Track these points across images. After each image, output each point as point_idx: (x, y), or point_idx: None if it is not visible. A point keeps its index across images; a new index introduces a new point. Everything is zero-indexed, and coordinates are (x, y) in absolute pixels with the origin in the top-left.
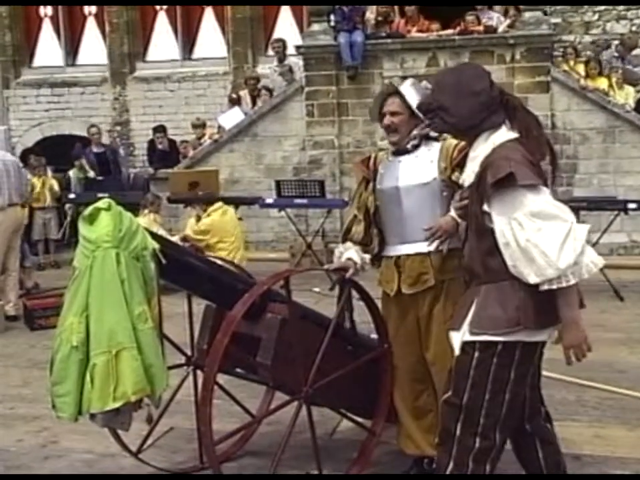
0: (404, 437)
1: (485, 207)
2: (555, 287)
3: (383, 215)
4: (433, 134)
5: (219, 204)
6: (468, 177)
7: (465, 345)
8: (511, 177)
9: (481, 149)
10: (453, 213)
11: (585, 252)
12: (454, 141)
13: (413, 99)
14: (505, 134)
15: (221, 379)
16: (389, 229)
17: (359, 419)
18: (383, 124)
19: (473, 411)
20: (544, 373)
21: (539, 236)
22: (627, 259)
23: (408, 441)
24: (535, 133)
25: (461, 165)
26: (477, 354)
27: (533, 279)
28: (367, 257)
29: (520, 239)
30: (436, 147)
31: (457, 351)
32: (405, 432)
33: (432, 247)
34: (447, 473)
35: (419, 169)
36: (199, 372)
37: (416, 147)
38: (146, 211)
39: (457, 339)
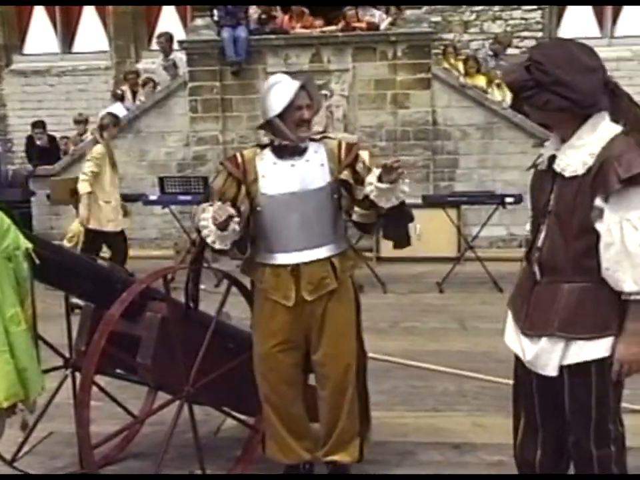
0: (275, 448)
1: (598, 202)
2: None
3: (270, 222)
4: (315, 136)
5: None
6: (570, 166)
7: (578, 366)
8: None
9: (589, 138)
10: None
11: None
12: (336, 142)
13: (316, 92)
14: (611, 124)
15: (103, 380)
16: (280, 237)
17: (242, 417)
18: (296, 118)
19: (604, 423)
20: (425, 365)
21: None
22: (505, 251)
23: (283, 449)
24: None
25: (351, 165)
26: (594, 369)
27: (628, 286)
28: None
29: (630, 242)
30: (321, 149)
31: (551, 369)
32: (276, 442)
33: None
34: None
35: (312, 173)
36: (78, 374)
37: (304, 149)
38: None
39: (553, 351)
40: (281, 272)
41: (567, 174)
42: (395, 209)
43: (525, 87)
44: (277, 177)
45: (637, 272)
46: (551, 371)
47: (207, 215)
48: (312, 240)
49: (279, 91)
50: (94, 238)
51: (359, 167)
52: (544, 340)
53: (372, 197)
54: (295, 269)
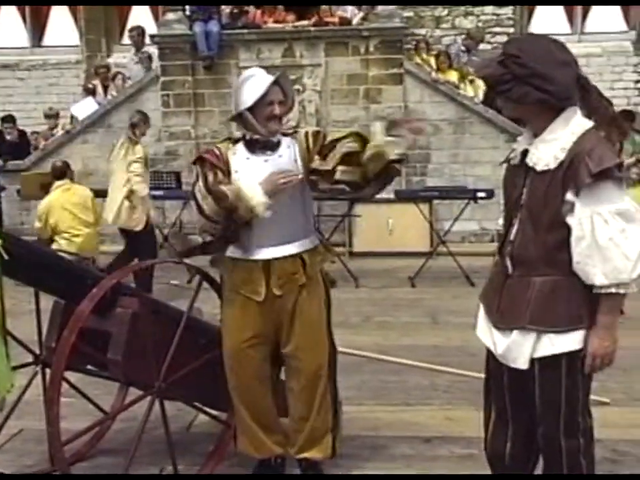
0: (246, 442)
1: (569, 196)
2: (621, 291)
3: None
4: (287, 130)
5: (65, 181)
6: (542, 160)
7: (548, 359)
8: (615, 168)
9: (561, 133)
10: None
11: None
12: (302, 131)
13: (290, 89)
14: (583, 119)
15: (74, 376)
16: (251, 232)
17: (214, 412)
18: (267, 113)
19: (573, 415)
20: (397, 359)
21: (623, 237)
22: (477, 246)
23: (254, 444)
24: (616, 120)
25: (321, 153)
26: (564, 362)
27: (599, 279)
28: None
29: (600, 236)
30: (293, 144)
31: (522, 362)
32: (247, 436)
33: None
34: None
35: (285, 169)
36: (48, 370)
37: (277, 145)
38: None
39: (524, 344)
40: (252, 267)
41: (539, 168)
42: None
43: (502, 81)
44: (249, 172)
45: (608, 265)
46: (522, 364)
47: (249, 189)
48: (283, 236)
49: (252, 85)
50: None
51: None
52: (515, 333)
53: (378, 149)
54: (266, 264)
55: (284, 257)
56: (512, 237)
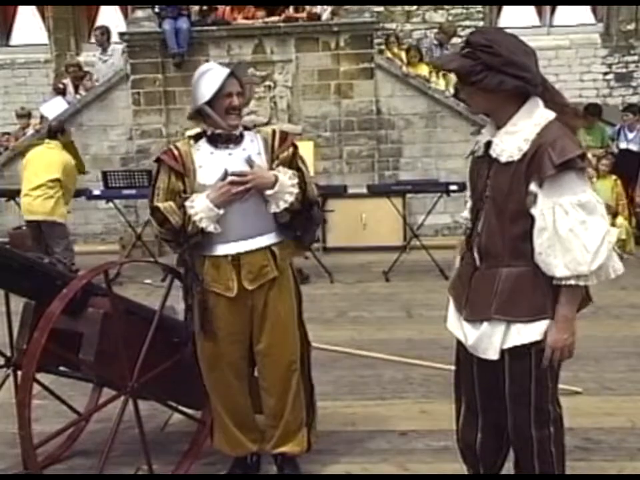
0: (222, 440)
1: (533, 187)
2: (581, 283)
3: None
4: (247, 124)
5: (53, 141)
6: (505, 151)
7: (517, 349)
8: (578, 159)
9: (524, 124)
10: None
11: (612, 255)
12: (269, 130)
13: (247, 79)
14: (546, 110)
15: (48, 378)
16: (221, 227)
17: (189, 411)
18: (226, 105)
19: (543, 405)
20: (371, 354)
21: (583, 229)
22: (450, 239)
23: (230, 442)
24: (573, 112)
25: (289, 162)
26: (533, 352)
27: (560, 271)
28: None
29: (561, 227)
30: (257, 138)
31: (492, 353)
32: (224, 434)
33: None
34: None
35: (255, 162)
36: (20, 373)
37: (240, 138)
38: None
39: (494, 335)
40: (221, 262)
41: (502, 159)
42: (298, 213)
43: (474, 71)
44: (214, 166)
45: (568, 257)
46: (492, 354)
47: (194, 204)
48: (252, 229)
49: (209, 79)
50: None
51: (296, 164)
52: (485, 324)
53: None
54: (235, 258)
55: (253, 251)
56: (479, 229)
